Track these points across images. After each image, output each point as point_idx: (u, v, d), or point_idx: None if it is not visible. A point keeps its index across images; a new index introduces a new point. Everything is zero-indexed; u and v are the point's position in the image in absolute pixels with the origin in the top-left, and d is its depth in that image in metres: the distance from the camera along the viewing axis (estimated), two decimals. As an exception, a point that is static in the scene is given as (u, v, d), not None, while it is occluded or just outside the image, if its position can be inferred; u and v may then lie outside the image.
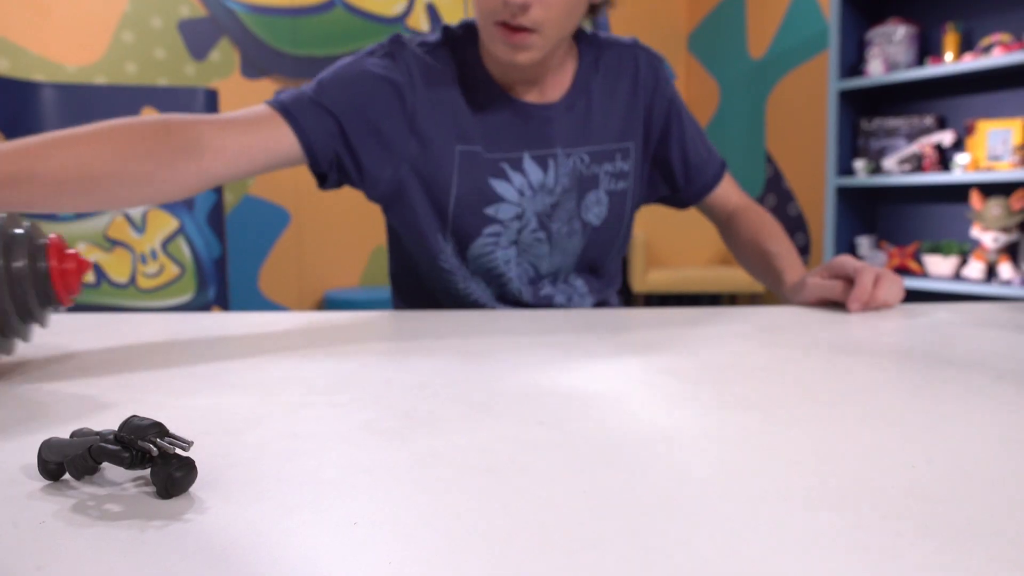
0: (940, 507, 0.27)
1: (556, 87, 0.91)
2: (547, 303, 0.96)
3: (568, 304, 0.98)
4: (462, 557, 0.24)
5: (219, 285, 2.66)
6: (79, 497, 0.29)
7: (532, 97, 0.90)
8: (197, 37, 3.09)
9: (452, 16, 3.55)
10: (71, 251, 0.48)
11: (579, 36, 0.94)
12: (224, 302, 2.68)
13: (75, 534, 0.25)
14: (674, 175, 0.99)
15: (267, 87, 3.22)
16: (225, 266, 2.67)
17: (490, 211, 0.89)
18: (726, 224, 1.03)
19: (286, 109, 0.79)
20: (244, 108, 0.79)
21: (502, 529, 0.26)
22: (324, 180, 0.86)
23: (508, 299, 0.95)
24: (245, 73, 3.19)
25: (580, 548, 0.24)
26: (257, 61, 3.21)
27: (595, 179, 0.93)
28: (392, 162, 0.86)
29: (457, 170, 0.87)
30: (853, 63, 2.98)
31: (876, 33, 2.88)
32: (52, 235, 0.48)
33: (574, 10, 0.81)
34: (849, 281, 0.80)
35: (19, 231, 0.48)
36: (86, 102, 2.33)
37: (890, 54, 2.85)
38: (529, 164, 0.89)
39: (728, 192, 1.03)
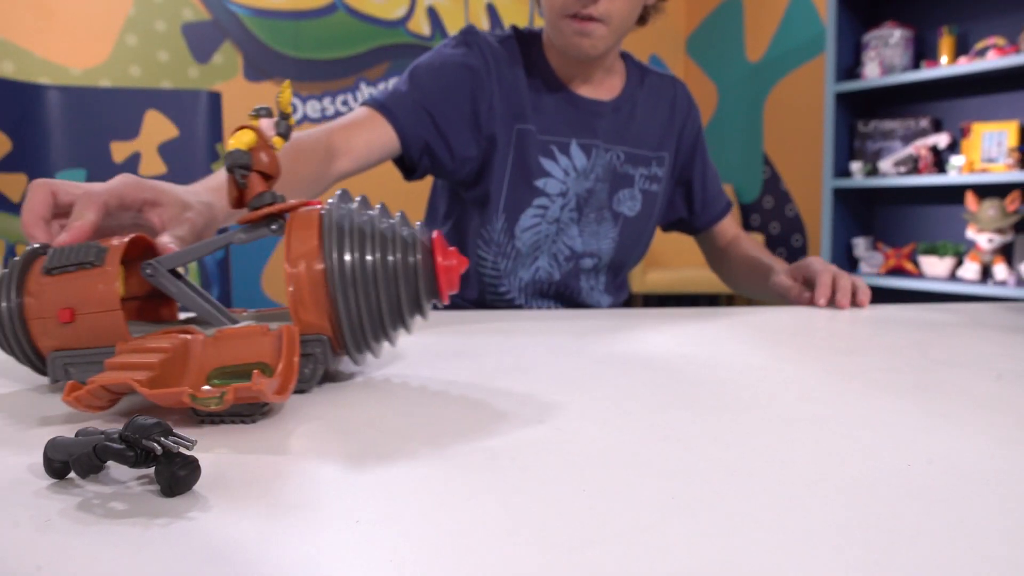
0: (938, 506, 0.27)
1: (607, 90, 1.02)
2: (570, 293, 1.04)
3: (590, 295, 1.04)
4: (464, 555, 0.24)
5: (222, 285, 2.68)
6: (83, 496, 0.29)
7: (586, 92, 1.00)
8: (200, 40, 3.12)
9: (453, 19, 3.58)
10: (452, 247, 0.46)
11: (625, 57, 1.06)
12: (227, 302, 2.71)
13: (78, 533, 0.25)
14: (693, 198, 1.12)
15: (269, 89, 3.25)
16: (228, 266, 2.70)
17: (539, 183, 0.97)
18: (723, 250, 1.16)
19: (383, 106, 0.88)
20: (350, 113, 0.89)
21: (503, 527, 0.26)
22: (413, 171, 0.94)
23: (537, 285, 1.02)
24: (248, 76, 3.22)
25: (580, 546, 0.24)
26: (260, 64, 3.24)
27: (630, 178, 1.04)
28: (478, 141, 0.94)
29: (513, 146, 0.96)
30: (849, 66, 3.01)
31: (872, 36, 2.91)
32: (435, 232, 0.46)
33: (635, 6, 0.91)
34: (812, 283, 0.89)
35: (407, 229, 0.46)
36: (90, 104, 2.35)
37: (886, 57, 2.88)
38: (575, 149, 0.99)
39: (730, 223, 1.16)
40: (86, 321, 0.43)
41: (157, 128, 2.37)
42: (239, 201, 0.46)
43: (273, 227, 0.46)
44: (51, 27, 2.85)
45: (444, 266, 0.45)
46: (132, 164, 2.33)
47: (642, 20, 0.99)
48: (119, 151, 2.34)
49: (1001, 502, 0.28)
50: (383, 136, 0.87)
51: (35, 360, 0.46)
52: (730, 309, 0.80)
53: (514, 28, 1.01)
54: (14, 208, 2.23)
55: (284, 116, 0.47)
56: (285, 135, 0.47)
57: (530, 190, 0.97)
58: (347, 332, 0.44)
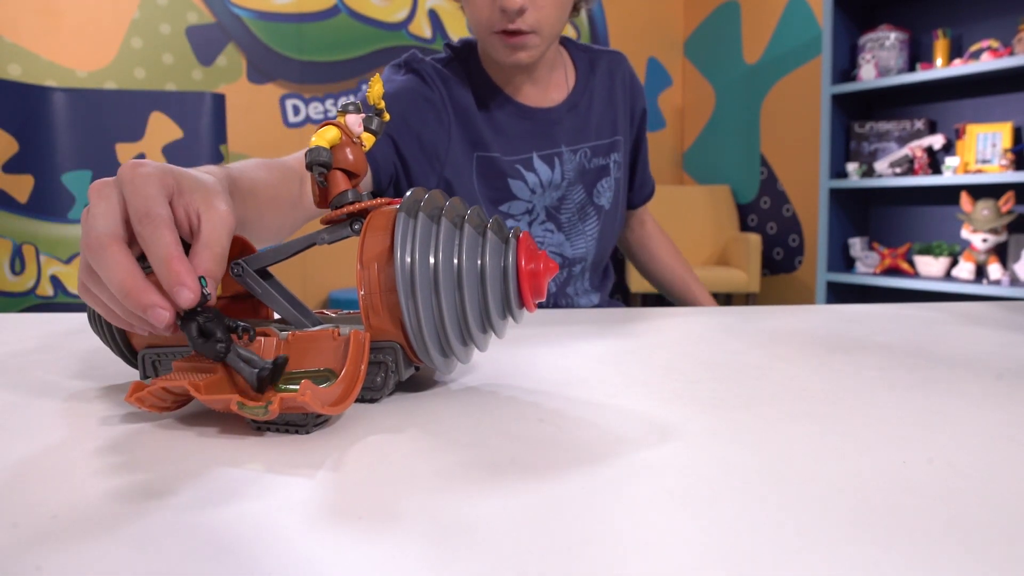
0: (936, 505, 0.27)
1: (557, 89, 0.99)
2: (566, 304, 1.02)
3: (576, 299, 1.04)
4: (464, 553, 0.24)
5: (227, 285, 2.70)
6: (84, 496, 0.28)
7: (537, 101, 0.97)
8: (204, 43, 3.14)
9: (454, 22, 3.60)
10: (540, 250, 0.42)
11: (567, 43, 1.03)
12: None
13: (78, 533, 0.25)
14: (635, 177, 1.11)
15: (273, 92, 3.28)
16: (233, 267, 2.71)
17: (503, 208, 0.95)
18: (639, 234, 1.19)
19: None
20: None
21: (503, 525, 0.26)
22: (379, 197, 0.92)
23: None
24: (251, 78, 3.25)
25: (579, 543, 0.24)
26: (263, 66, 3.26)
27: (605, 168, 1.02)
28: (435, 171, 0.92)
29: (475, 173, 0.93)
30: (845, 68, 3.04)
31: (868, 39, 2.94)
32: (522, 232, 0.42)
33: (563, 8, 0.88)
34: None
35: (496, 231, 0.42)
36: (96, 106, 2.36)
37: (882, 59, 2.90)
38: (538, 163, 0.96)
39: (646, 209, 1.19)
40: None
41: (162, 130, 2.39)
42: (321, 200, 0.44)
43: (355, 227, 0.43)
44: (57, 30, 2.87)
45: (528, 271, 0.41)
46: (138, 165, 2.35)
47: (575, 10, 0.95)
48: (124, 152, 2.36)
49: (1001, 501, 0.28)
50: None
51: (130, 356, 0.46)
52: (727, 308, 0.80)
53: (449, 47, 0.98)
54: (21, 208, 2.25)
55: (376, 111, 0.44)
56: (376, 131, 0.44)
57: (496, 215, 0.94)
58: (415, 341, 0.40)
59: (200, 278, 0.36)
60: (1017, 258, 2.67)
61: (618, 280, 3.62)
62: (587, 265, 1.03)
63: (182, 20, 3.10)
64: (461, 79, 0.94)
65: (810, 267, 3.59)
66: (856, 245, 3.07)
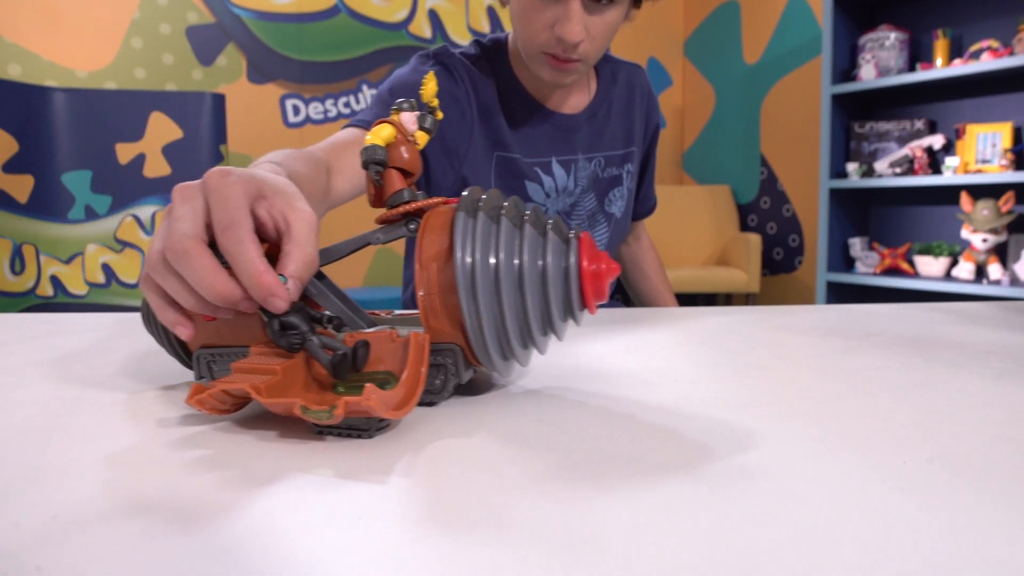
0: (936, 505, 0.27)
1: (580, 96, 1.00)
2: None
3: None
4: (465, 552, 0.24)
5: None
6: (84, 496, 0.28)
7: (559, 106, 0.98)
8: (204, 43, 3.14)
9: (454, 22, 3.60)
10: (602, 251, 0.40)
11: None
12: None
13: (79, 532, 0.25)
14: (639, 191, 1.12)
15: (272, 92, 3.28)
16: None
17: None
18: (635, 249, 1.20)
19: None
20: (335, 135, 0.82)
21: (504, 524, 0.26)
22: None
23: None
24: (251, 78, 3.25)
25: (580, 542, 0.24)
26: (263, 66, 3.27)
27: (618, 178, 1.03)
28: (454, 168, 0.91)
29: (494, 173, 0.94)
30: (845, 68, 3.04)
31: (868, 39, 2.94)
32: (583, 232, 0.40)
33: (611, 38, 0.88)
34: None
35: (556, 232, 0.41)
36: (96, 106, 2.36)
37: (882, 59, 2.90)
38: (556, 168, 0.97)
39: (643, 224, 1.21)
40: (226, 320, 0.41)
41: (162, 130, 2.39)
42: (377, 199, 0.43)
43: (411, 227, 0.42)
44: (57, 30, 2.88)
45: (591, 272, 0.39)
46: (137, 165, 2.36)
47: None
48: (124, 152, 2.36)
49: (1000, 501, 0.28)
50: None
51: (183, 356, 0.46)
52: (727, 308, 0.80)
53: (478, 43, 0.97)
54: (21, 208, 2.25)
55: (429, 109, 0.44)
56: (430, 129, 0.44)
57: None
58: (475, 343, 0.40)
59: (281, 276, 0.37)
60: (1017, 258, 2.67)
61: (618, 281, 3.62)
62: None
63: (182, 20, 3.10)
64: (487, 77, 0.94)
65: (810, 267, 3.59)
66: (856, 245, 3.08)
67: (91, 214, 2.35)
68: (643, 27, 4.16)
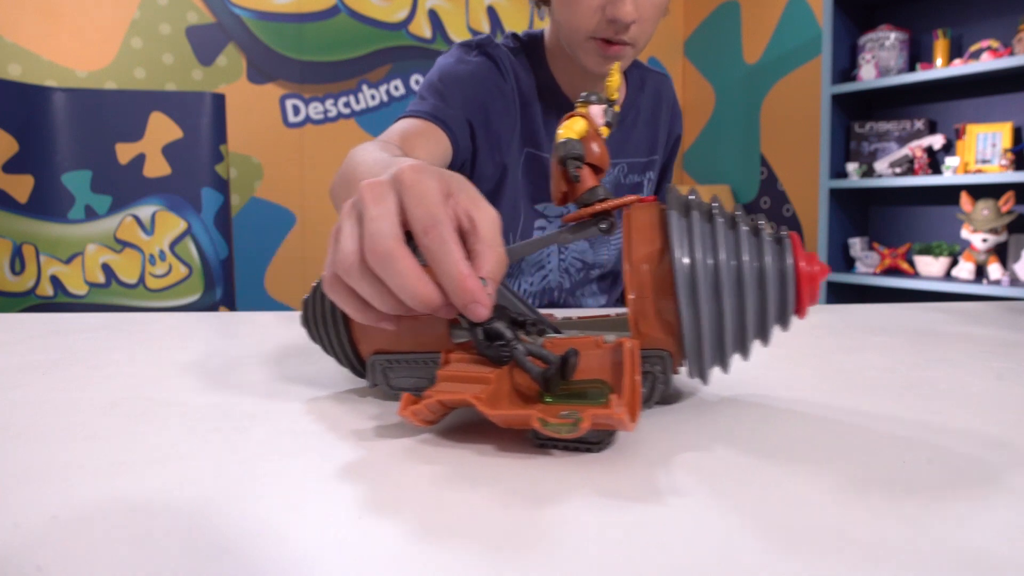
0: (936, 505, 0.27)
1: None
2: (575, 302, 1.04)
3: (583, 299, 1.06)
4: (466, 552, 0.24)
5: (226, 285, 2.71)
6: (84, 496, 0.28)
7: None
8: (204, 43, 3.14)
9: (454, 22, 3.60)
10: (810, 252, 0.38)
11: None
12: (231, 302, 2.73)
13: (77, 533, 0.25)
14: (657, 197, 1.11)
15: (272, 92, 3.28)
16: (232, 267, 2.72)
17: (539, 207, 0.96)
18: None
19: (436, 117, 0.83)
20: (396, 125, 0.81)
21: (504, 524, 0.26)
22: None
23: (546, 294, 1.03)
24: (251, 78, 3.25)
25: (581, 542, 0.24)
26: (263, 66, 3.26)
27: (639, 186, 1.03)
28: (494, 160, 0.91)
29: (522, 168, 0.94)
30: (845, 68, 3.03)
31: (868, 39, 2.94)
32: (791, 231, 0.38)
33: (657, 24, 0.88)
34: None
35: (769, 230, 0.38)
36: (96, 106, 2.36)
37: (882, 59, 2.90)
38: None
39: None
40: (407, 324, 0.39)
41: (162, 130, 2.39)
42: (566, 196, 0.41)
43: (602, 226, 0.41)
44: (57, 30, 2.88)
45: (807, 273, 0.37)
46: (137, 165, 2.36)
47: None
48: (124, 152, 2.36)
49: (1000, 501, 0.28)
50: (441, 147, 0.83)
51: (355, 362, 0.44)
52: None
53: (515, 36, 0.97)
54: (21, 208, 2.25)
55: (610, 103, 0.42)
56: (611, 123, 0.42)
57: (532, 213, 0.96)
58: (690, 348, 0.37)
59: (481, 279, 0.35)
60: (1017, 258, 2.67)
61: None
62: (606, 272, 1.05)
63: (182, 20, 3.10)
64: (527, 71, 0.94)
65: (810, 267, 3.59)
66: (856, 245, 3.08)
67: (91, 214, 2.35)
68: (643, 27, 4.15)
